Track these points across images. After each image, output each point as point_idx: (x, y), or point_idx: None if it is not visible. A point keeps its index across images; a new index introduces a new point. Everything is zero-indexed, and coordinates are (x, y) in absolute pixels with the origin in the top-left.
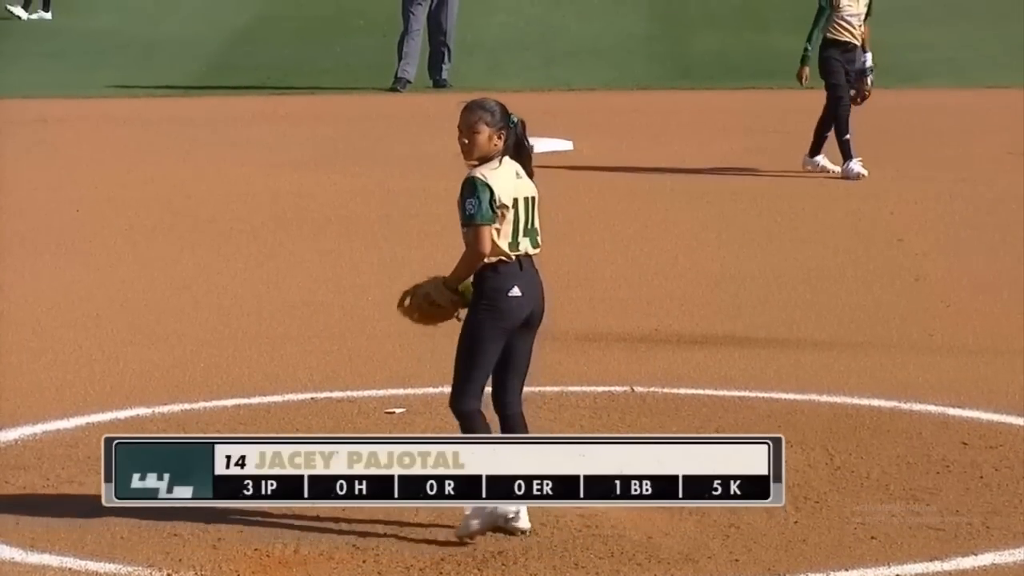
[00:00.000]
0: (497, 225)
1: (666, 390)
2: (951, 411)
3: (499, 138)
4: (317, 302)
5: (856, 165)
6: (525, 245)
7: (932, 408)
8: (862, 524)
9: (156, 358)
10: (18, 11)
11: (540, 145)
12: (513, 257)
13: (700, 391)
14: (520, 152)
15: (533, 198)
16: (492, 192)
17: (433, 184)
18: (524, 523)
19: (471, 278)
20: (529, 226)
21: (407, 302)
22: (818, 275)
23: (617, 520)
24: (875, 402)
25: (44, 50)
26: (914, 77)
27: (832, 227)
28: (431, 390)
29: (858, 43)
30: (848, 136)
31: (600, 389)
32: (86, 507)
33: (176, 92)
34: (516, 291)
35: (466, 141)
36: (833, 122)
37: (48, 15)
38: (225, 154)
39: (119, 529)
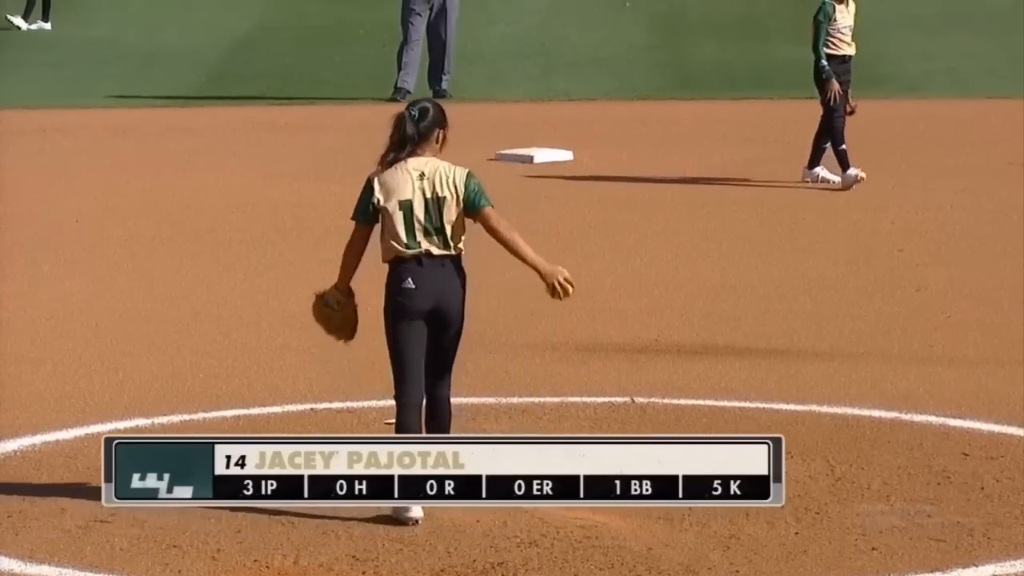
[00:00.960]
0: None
1: (666, 400)
2: (952, 422)
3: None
4: None
5: (853, 171)
6: (428, 244)
7: (933, 419)
8: (863, 535)
9: (155, 369)
10: (18, 21)
11: (540, 155)
12: (409, 255)
13: (700, 401)
14: (411, 141)
15: (441, 198)
16: (372, 192)
17: None
18: (415, 512)
19: None
20: (433, 226)
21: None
22: (819, 285)
23: (617, 531)
24: (876, 413)
25: (44, 60)
26: (915, 87)
27: (833, 237)
28: None
29: (852, 54)
30: (844, 146)
31: (600, 399)
32: (85, 518)
33: (176, 102)
34: (409, 283)
35: None
36: (828, 134)
37: (48, 25)
38: (225, 164)
39: (118, 540)
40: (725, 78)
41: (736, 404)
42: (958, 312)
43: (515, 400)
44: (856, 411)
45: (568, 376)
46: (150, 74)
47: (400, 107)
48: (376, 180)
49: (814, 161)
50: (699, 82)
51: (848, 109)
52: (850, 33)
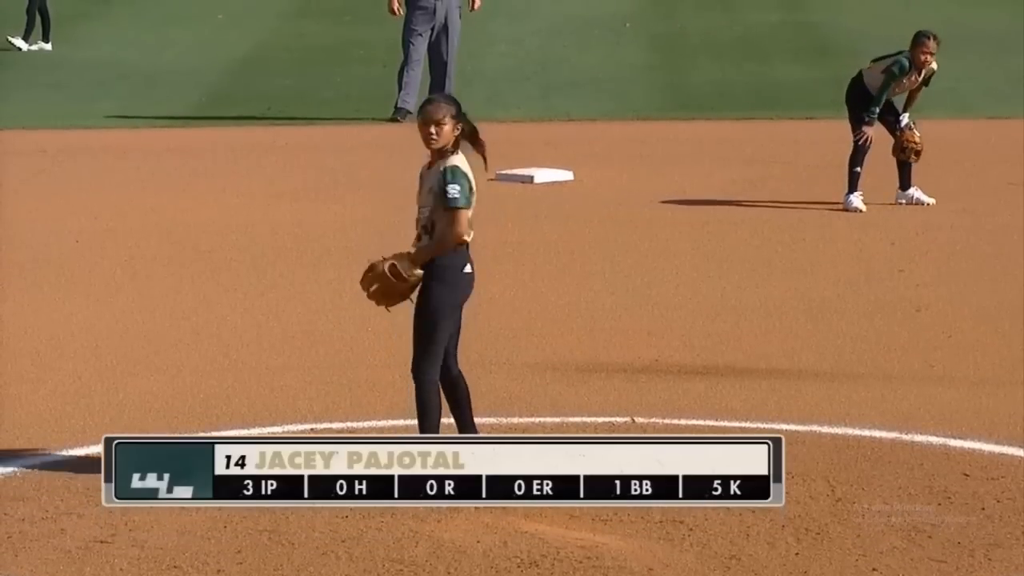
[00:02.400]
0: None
1: (667, 420)
2: (952, 442)
3: (457, 129)
4: (317, 332)
5: (856, 199)
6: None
7: (933, 439)
8: (863, 555)
9: (155, 389)
10: (18, 42)
11: (540, 175)
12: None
13: (701, 422)
14: (476, 140)
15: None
16: (469, 180)
17: None
18: None
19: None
20: (423, 225)
21: (370, 275)
22: (819, 306)
23: (618, 551)
24: (876, 433)
25: (44, 81)
26: (915, 107)
27: (833, 257)
28: None
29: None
30: (859, 169)
31: (601, 419)
32: (85, 539)
33: (176, 123)
34: (468, 268)
35: (432, 132)
36: (853, 154)
37: (48, 46)
38: (225, 185)
39: (118, 561)
40: (725, 98)
41: (737, 424)
42: (959, 332)
43: (515, 420)
44: (857, 431)
45: (568, 396)
46: (151, 95)
47: (400, 127)
48: (465, 168)
49: (904, 183)
50: (699, 102)
51: (913, 146)
52: (901, 94)
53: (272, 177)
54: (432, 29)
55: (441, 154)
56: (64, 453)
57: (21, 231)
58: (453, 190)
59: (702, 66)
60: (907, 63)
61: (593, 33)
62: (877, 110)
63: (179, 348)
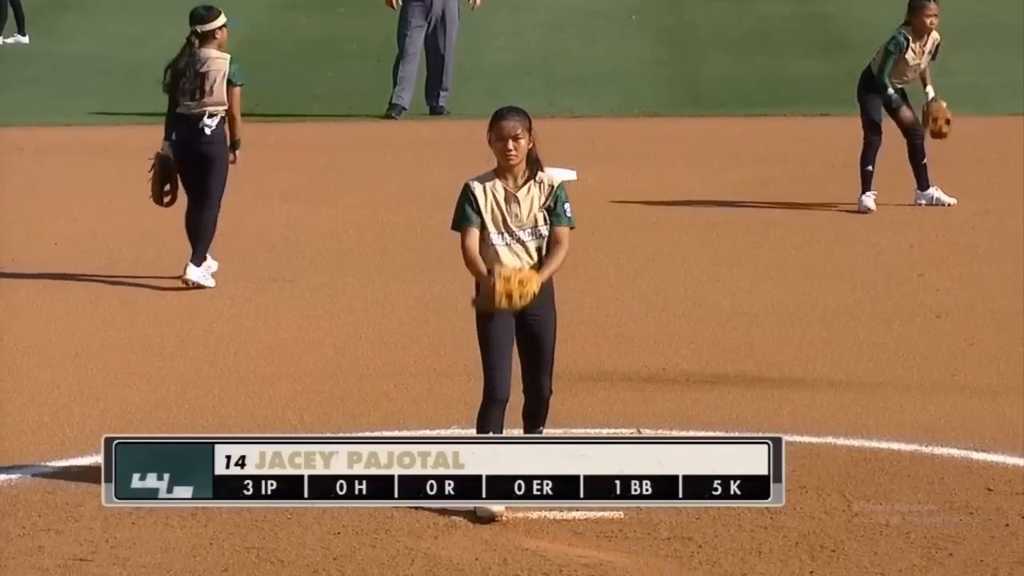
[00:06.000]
0: None
1: (675, 432)
2: (975, 455)
3: (531, 142)
4: (308, 340)
5: (868, 199)
6: None
7: (955, 451)
8: (881, 574)
9: (138, 399)
10: None
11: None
12: None
13: (711, 433)
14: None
15: None
16: None
17: (430, 216)
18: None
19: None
20: None
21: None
22: (834, 312)
23: (623, 569)
24: (895, 445)
25: (21, 76)
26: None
27: (849, 261)
28: (427, 431)
29: (905, 86)
30: (871, 168)
31: (606, 431)
32: (65, 557)
33: (160, 119)
34: None
35: (511, 148)
36: (863, 153)
37: (25, 39)
38: None
39: None
40: (735, 94)
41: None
42: (981, 339)
43: (516, 431)
44: (874, 443)
45: (572, 406)
46: (133, 90)
47: (395, 124)
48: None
49: (923, 183)
50: (708, 98)
51: (942, 114)
52: (915, 72)
53: (261, 176)
54: (429, 22)
55: (517, 169)
56: (42, 466)
57: None
58: (570, 208)
59: (711, 60)
60: (903, 38)
61: (597, 26)
62: (891, 91)
63: (163, 356)
